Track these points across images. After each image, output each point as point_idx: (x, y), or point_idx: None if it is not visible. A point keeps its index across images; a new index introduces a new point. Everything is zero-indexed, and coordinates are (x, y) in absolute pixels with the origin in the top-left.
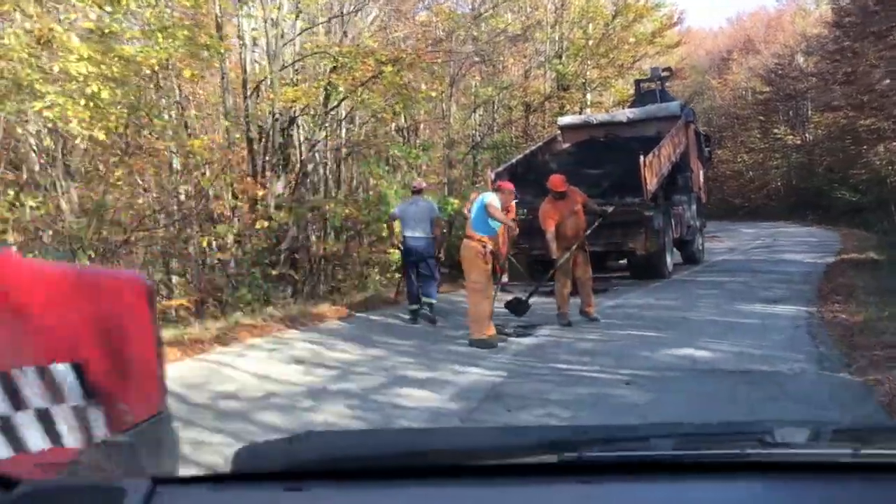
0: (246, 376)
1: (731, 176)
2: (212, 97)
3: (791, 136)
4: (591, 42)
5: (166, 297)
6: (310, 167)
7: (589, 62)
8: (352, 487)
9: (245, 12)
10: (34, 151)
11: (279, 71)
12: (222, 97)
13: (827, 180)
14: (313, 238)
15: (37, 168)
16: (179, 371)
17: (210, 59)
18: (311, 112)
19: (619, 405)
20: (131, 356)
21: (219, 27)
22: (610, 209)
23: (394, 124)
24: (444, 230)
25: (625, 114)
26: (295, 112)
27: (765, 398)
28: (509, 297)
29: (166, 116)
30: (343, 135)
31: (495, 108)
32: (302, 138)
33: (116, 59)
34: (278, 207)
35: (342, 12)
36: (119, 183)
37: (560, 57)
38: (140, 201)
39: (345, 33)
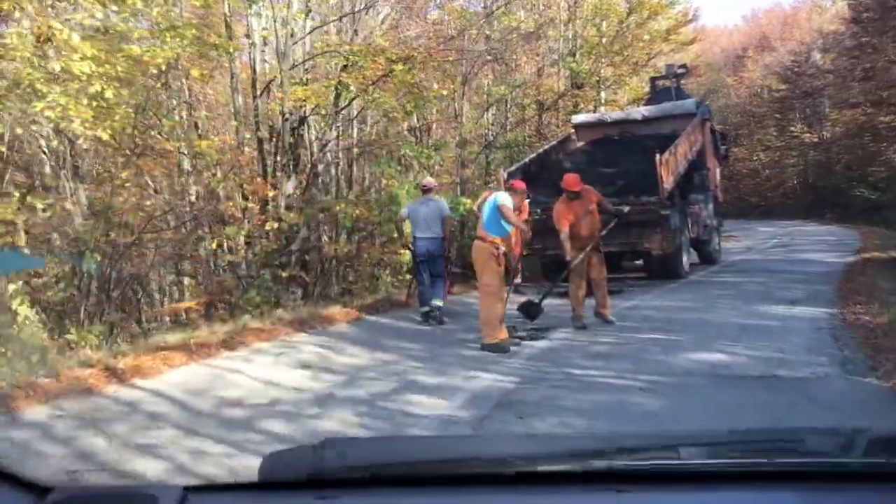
0: (251, 382)
1: (747, 174)
2: (222, 97)
3: (808, 134)
4: (604, 40)
5: (177, 299)
6: (320, 167)
7: (603, 60)
8: (381, 496)
9: (254, 11)
10: (45, 154)
11: (289, 70)
12: (232, 97)
13: (845, 178)
14: (325, 239)
15: (47, 170)
16: (184, 376)
17: (219, 58)
18: (322, 112)
19: (637, 413)
20: None
21: (228, 26)
22: (626, 209)
23: (406, 124)
24: (455, 230)
25: (640, 111)
26: (305, 112)
27: (789, 405)
28: (522, 300)
29: (177, 117)
30: (355, 135)
31: (508, 106)
32: (313, 138)
33: (123, 58)
34: (289, 208)
35: (353, 10)
36: (127, 184)
37: (574, 55)
38: (148, 203)
39: (355, 32)
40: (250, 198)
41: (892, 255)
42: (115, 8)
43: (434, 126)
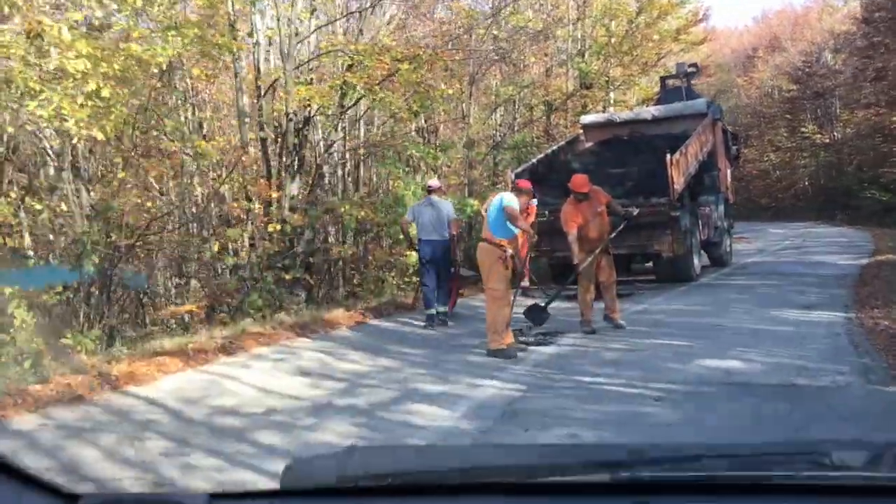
0: (248, 389)
1: (757, 175)
2: (228, 98)
3: (819, 135)
4: (613, 39)
5: (179, 302)
6: (326, 168)
7: (612, 60)
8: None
9: (258, 8)
10: (49, 155)
11: (293, 70)
12: (236, 97)
13: (856, 179)
14: (331, 241)
15: (51, 171)
16: (179, 383)
17: (222, 58)
18: (328, 112)
19: (649, 425)
20: None
21: (232, 26)
22: (635, 211)
23: (414, 125)
24: (462, 231)
25: (650, 111)
26: (310, 112)
27: (809, 416)
28: (529, 303)
29: (182, 118)
30: (361, 135)
31: (516, 107)
32: (318, 139)
33: (122, 57)
34: (293, 210)
35: (359, 9)
36: (128, 186)
37: (582, 55)
38: (149, 204)
39: (360, 31)
40: (254, 199)
41: None
42: (115, 6)
43: (441, 127)
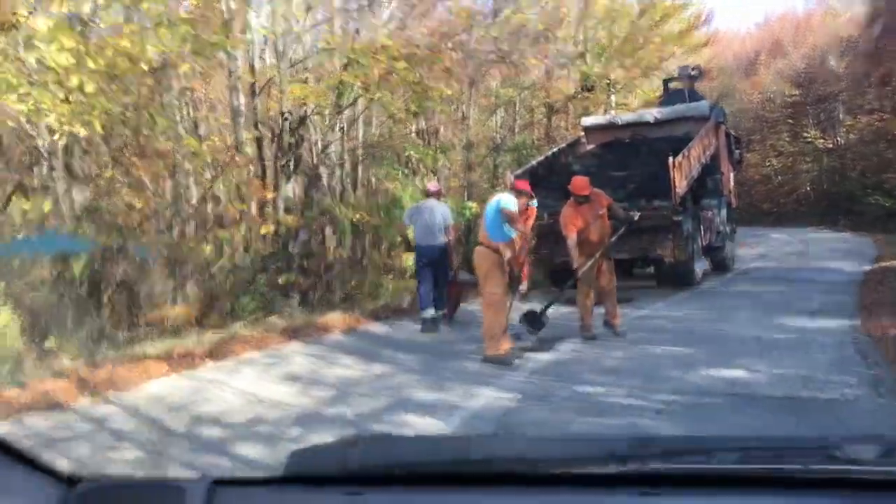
0: (233, 397)
1: (759, 180)
2: (221, 96)
3: (822, 140)
4: (615, 42)
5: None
6: (321, 169)
7: (614, 62)
8: (410, 493)
9: (252, 4)
10: (42, 153)
11: (288, 69)
12: (230, 95)
13: (860, 185)
14: (327, 243)
15: (44, 170)
16: (162, 389)
17: (215, 55)
18: (324, 111)
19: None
20: None
21: (226, 23)
22: (636, 214)
23: (414, 126)
24: (461, 235)
25: (652, 113)
26: (306, 111)
27: (816, 431)
28: (526, 308)
29: (178, 117)
30: (360, 136)
31: (516, 109)
32: (314, 139)
33: (110, 52)
34: (288, 211)
35: (355, 7)
36: (118, 185)
37: (584, 57)
38: (139, 205)
39: (357, 31)
40: (247, 200)
41: None
42: (101, 1)
43: (441, 129)
